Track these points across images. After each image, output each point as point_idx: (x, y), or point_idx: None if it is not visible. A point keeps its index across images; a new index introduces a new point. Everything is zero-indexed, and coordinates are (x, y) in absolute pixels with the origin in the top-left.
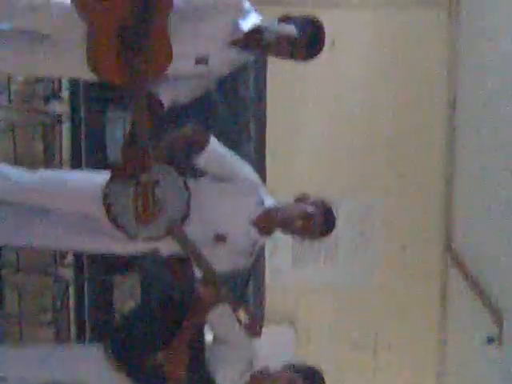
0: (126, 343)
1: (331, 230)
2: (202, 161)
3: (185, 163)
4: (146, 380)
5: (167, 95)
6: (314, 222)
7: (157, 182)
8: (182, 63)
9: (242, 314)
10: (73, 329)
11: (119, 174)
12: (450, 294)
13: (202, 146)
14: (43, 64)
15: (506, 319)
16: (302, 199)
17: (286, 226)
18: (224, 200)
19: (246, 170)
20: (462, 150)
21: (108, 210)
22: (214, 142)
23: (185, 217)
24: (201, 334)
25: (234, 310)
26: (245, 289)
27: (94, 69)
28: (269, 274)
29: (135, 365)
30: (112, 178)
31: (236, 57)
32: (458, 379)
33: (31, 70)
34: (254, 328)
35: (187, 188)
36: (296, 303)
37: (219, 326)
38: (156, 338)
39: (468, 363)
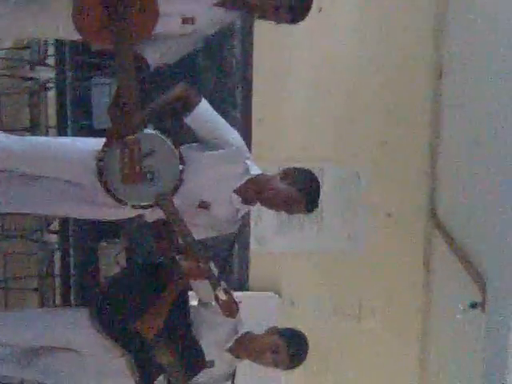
0: (110, 308)
1: (315, 207)
2: (191, 121)
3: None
4: (132, 344)
5: (153, 55)
6: (295, 201)
7: (152, 152)
8: (168, 23)
9: (221, 293)
10: (58, 295)
11: (109, 136)
12: (434, 260)
13: (193, 104)
14: (31, 25)
15: (489, 285)
16: (287, 175)
17: (268, 201)
18: (209, 167)
19: (234, 136)
20: (447, 117)
21: (100, 176)
22: (204, 102)
23: (176, 189)
24: (185, 299)
25: (214, 288)
26: (228, 260)
27: (80, 29)
28: (253, 241)
29: (120, 329)
30: (107, 143)
31: (222, 17)
32: (441, 345)
33: (19, 31)
34: (231, 309)
35: (182, 161)
36: (280, 270)
37: (202, 292)
38: (140, 302)
39: (451, 328)
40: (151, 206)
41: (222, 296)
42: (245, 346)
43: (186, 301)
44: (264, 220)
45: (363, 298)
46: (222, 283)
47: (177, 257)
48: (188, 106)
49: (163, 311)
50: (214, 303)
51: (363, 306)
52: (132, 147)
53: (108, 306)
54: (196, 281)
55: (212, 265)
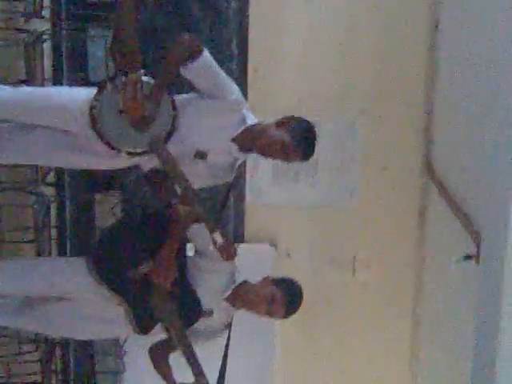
0: (108, 256)
1: (311, 154)
2: (191, 71)
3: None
4: (129, 293)
5: None
6: (291, 147)
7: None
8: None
9: (218, 236)
10: (54, 246)
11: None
12: (429, 213)
13: (196, 54)
14: None
15: (484, 237)
16: (283, 123)
17: (264, 149)
18: (206, 117)
19: (231, 86)
20: (443, 69)
21: (94, 123)
22: (206, 52)
23: (169, 135)
24: (182, 248)
25: (210, 231)
26: (224, 207)
27: None
28: (249, 193)
29: (117, 278)
30: (100, 91)
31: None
32: (435, 297)
33: None
34: (228, 251)
35: (174, 107)
36: (276, 222)
37: (199, 240)
38: (137, 252)
39: (445, 281)
40: (146, 153)
41: (219, 239)
42: (240, 296)
43: (183, 251)
44: (259, 172)
45: (358, 250)
46: (219, 228)
47: (173, 203)
48: (191, 56)
49: (171, 258)
50: (211, 249)
51: (358, 258)
52: (135, 84)
53: (105, 255)
54: (193, 225)
55: (208, 211)
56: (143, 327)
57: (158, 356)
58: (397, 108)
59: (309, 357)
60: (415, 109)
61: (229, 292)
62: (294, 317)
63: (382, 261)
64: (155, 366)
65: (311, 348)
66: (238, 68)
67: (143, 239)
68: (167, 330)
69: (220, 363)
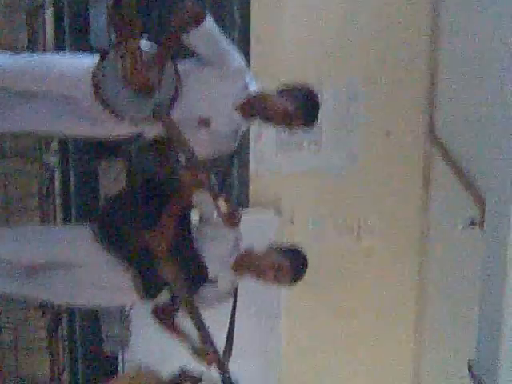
0: (113, 223)
1: (314, 121)
2: (194, 38)
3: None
4: (135, 259)
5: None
6: (294, 115)
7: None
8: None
9: (222, 204)
10: (59, 214)
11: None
12: (433, 178)
13: (199, 20)
14: None
15: (488, 202)
16: (285, 90)
17: (267, 117)
18: (209, 84)
19: (234, 53)
20: (446, 34)
21: (96, 89)
22: (209, 19)
23: (172, 101)
24: (187, 215)
25: (214, 199)
26: (227, 174)
27: None
28: (252, 161)
29: (123, 243)
30: (102, 57)
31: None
32: (440, 263)
33: None
34: (232, 218)
35: (177, 72)
36: (280, 189)
37: (203, 207)
38: (141, 218)
39: (450, 246)
40: (149, 120)
41: (223, 206)
42: (247, 263)
43: (188, 218)
44: (263, 140)
45: (362, 216)
46: (222, 195)
47: (177, 170)
48: (194, 22)
49: (170, 224)
50: (215, 216)
51: (362, 224)
52: (135, 52)
53: (110, 222)
54: (197, 193)
55: (212, 177)
56: (149, 293)
57: (163, 317)
58: (400, 73)
59: (314, 322)
60: (418, 74)
61: (233, 259)
62: (299, 283)
63: (386, 226)
64: (162, 326)
65: (316, 313)
66: (240, 36)
67: (147, 206)
68: (173, 295)
69: (226, 330)
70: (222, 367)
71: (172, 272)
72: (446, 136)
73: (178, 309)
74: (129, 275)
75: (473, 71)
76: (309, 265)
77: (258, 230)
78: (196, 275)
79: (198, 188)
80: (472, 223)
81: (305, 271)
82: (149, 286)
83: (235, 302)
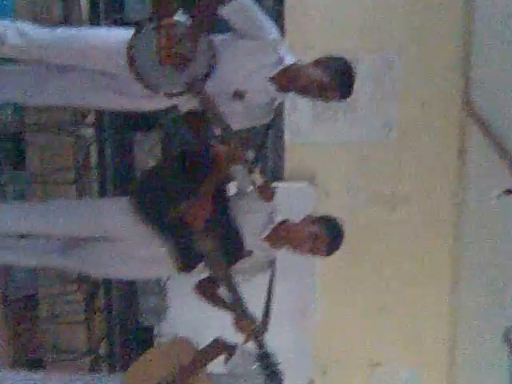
0: (150, 196)
1: (350, 93)
2: (230, 10)
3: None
4: (172, 232)
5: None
6: (330, 87)
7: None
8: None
9: (257, 177)
10: (95, 187)
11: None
12: (468, 148)
13: None
14: None
15: None
16: (320, 62)
17: (303, 89)
18: (244, 56)
19: (269, 25)
20: (481, 3)
21: (131, 63)
22: None
23: (207, 74)
24: (223, 189)
25: (249, 172)
26: (263, 147)
27: None
28: (288, 132)
29: (160, 216)
30: (137, 31)
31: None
32: (475, 232)
33: None
34: (267, 192)
35: (212, 46)
36: (315, 160)
37: (238, 180)
38: (178, 190)
39: (485, 215)
40: (184, 94)
41: (258, 180)
42: (282, 235)
43: (224, 191)
44: (298, 111)
45: (397, 187)
46: (258, 168)
47: (212, 144)
48: None
49: (208, 196)
50: (250, 189)
51: (397, 195)
52: (170, 28)
53: (147, 195)
54: (232, 166)
55: (247, 150)
56: (186, 266)
57: (206, 291)
58: (435, 43)
59: (349, 292)
60: (454, 44)
61: (268, 231)
62: (335, 254)
63: (421, 197)
64: (206, 301)
65: (351, 284)
66: (275, 8)
67: (183, 178)
68: (210, 268)
69: (263, 302)
70: (259, 339)
71: (209, 244)
72: (481, 105)
73: (219, 284)
74: (166, 248)
75: (509, 40)
76: (344, 236)
77: (294, 202)
78: (233, 247)
79: (234, 161)
80: (507, 192)
81: (341, 242)
82: (186, 259)
83: (273, 273)
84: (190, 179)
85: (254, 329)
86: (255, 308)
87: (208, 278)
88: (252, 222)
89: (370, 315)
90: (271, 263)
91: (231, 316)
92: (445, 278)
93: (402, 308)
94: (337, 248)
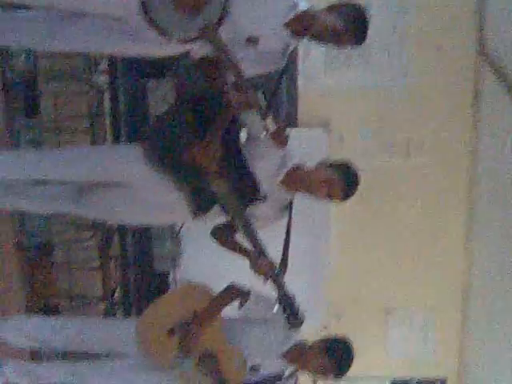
0: (163, 141)
1: (364, 38)
2: None
3: None
4: (186, 175)
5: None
6: (344, 32)
7: None
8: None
9: (270, 123)
10: (109, 134)
11: None
12: (483, 93)
13: None
14: None
15: None
16: (334, 8)
17: (316, 34)
18: (258, 2)
19: None
20: None
21: (144, 8)
22: None
23: (220, 19)
24: (236, 134)
25: (262, 117)
26: (276, 92)
27: None
28: (301, 78)
29: (174, 161)
30: None
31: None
32: (491, 178)
33: None
34: (280, 137)
35: None
36: (329, 106)
37: (251, 126)
38: (190, 135)
39: (500, 163)
40: (197, 39)
41: (271, 125)
42: (297, 179)
43: (237, 136)
44: (311, 57)
45: (412, 133)
46: (271, 114)
47: (225, 90)
48: None
49: (217, 139)
50: (263, 135)
51: (412, 141)
52: None
53: (160, 140)
54: (245, 112)
55: (260, 96)
56: (201, 209)
57: (222, 236)
58: None
59: (364, 240)
60: None
61: (282, 175)
62: (349, 201)
63: (435, 143)
64: (222, 246)
65: (365, 231)
66: None
67: (195, 123)
68: (225, 210)
69: (281, 247)
70: (278, 281)
71: (223, 187)
72: (496, 50)
73: (237, 228)
74: (180, 192)
75: None
76: (359, 181)
77: (308, 148)
78: (247, 190)
79: (247, 108)
80: None
81: (356, 186)
82: (200, 203)
83: (290, 217)
84: (202, 124)
85: (274, 268)
86: (272, 255)
87: (225, 223)
88: (266, 166)
89: (384, 261)
90: (288, 208)
91: (250, 257)
92: (459, 224)
93: (416, 253)
94: (352, 193)
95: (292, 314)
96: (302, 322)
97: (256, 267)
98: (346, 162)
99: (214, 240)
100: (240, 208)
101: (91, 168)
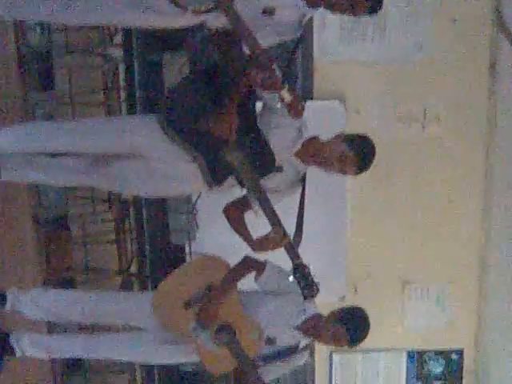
0: (179, 111)
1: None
2: None
3: None
4: (202, 146)
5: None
6: (360, 1)
7: None
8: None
9: (286, 93)
10: (124, 108)
11: None
12: (500, 65)
13: None
14: None
15: None
16: None
17: (331, 3)
18: None
19: None
20: None
21: None
22: None
23: None
24: (252, 105)
25: (279, 89)
26: (291, 63)
27: None
28: (317, 50)
29: (189, 131)
30: None
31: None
32: (508, 150)
33: None
34: (296, 108)
35: None
36: (345, 78)
37: (267, 96)
38: (205, 105)
39: None
40: (212, 10)
41: (287, 96)
42: (312, 151)
43: (253, 107)
44: (327, 29)
45: (428, 104)
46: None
47: (241, 61)
48: None
49: (233, 109)
50: (279, 106)
51: (428, 112)
52: None
53: (176, 110)
54: (270, 91)
55: (276, 67)
56: (216, 180)
57: (234, 214)
58: None
59: (381, 212)
60: None
61: (298, 147)
62: (366, 173)
63: (452, 115)
64: (231, 224)
65: (383, 203)
66: None
67: (213, 92)
68: (240, 182)
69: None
70: (292, 252)
71: (238, 158)
72: None
73: (249, 206)
74: (195, 163)
75: None
76: (375, 155)
77: (324, 120)
78: (262, 160)
79: (271, 88)
80: None
81: (372, 160)
82: (215, 174)
83: (304, 189)
84: (218, 95)
85: (288, 238)
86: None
87: (237, 200)
88: (281, 137)
89: (401, 233)
90: (302, 179)
91: (251, 243)
92: (477, 195)
93: (434, 225)
94: (366, 167)
95: (307, 284)
96: (316, 293)
97: (271, 235)
98: (362, 135)
99: (225, 217)
100: (255, 179)
101: (107, 138)
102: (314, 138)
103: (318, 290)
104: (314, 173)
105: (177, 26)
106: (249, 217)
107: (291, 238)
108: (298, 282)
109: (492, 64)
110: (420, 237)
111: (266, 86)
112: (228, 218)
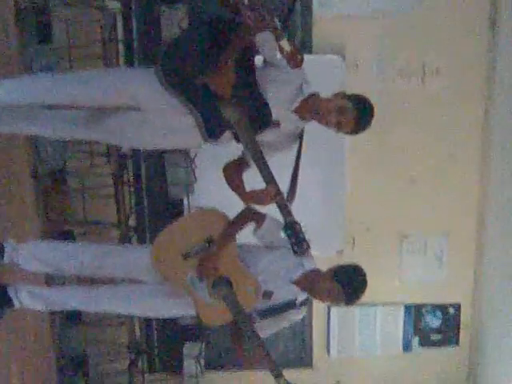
0: (176, 64)
1: None
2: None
3: None
4: (199, 100)
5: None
6: None
7: None
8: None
9: (285, 44)
10: (121, 61)
11: None
12: (500, 18)
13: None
14: None
15: None
16: None
17: None
18: None
19: None
20: None
21: None
22: None
23: None
24: (250, 58)
25: (277, 39)
26: (291, 13)
27: None
28: (316, 4)
29: (187, 85)
30: None
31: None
32: (506, 106)
33: None
34: (295, 58)
35: None
36: (344, 32)
37: (266, 48)
38: (204, 59)
39: None
40: None
41: (287, 46)
42: (311, 108)
43: (251, 60)
44: None
45: (427, 59)
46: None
47: (242, 11)
48: None
49: (230, 63)
50: (278, 57)
51: (427, 67)
52: None
53: (174, 63)
54: (260, 33)
55: (275, 19)
56: (212, 134)
57: (232, 173)
58: None
59: (379, 166)
60: None
61: (297, 103)
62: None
63: (451, 68)
64: (229, 183)
65: (382, 157)
66: None
67: (209, 47)
68: (236, 136)
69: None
70: (286, 209)
71: (235, 112)
72: None
73: (247, 165)
74: (192, 117)
75: None
76: (373, 116)
77: (323, 74)
78: (260, 116)
79: (262, 29)
80: None
81: (369, 122)
82: (211, 128)
83: (300, 145)
84: (216, 47)
85: (281, 195)
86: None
87: (236, 159)
88: (280, 92)
89: (399, 186)
90: (299, 136)
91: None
92: (475, 149)
93: (431, 179)
94: (363, 127)
95: (297, 241)
96: (306, 250)
97: (264, 190)
98: (362, 95)
99: (224, 176)
100: (251, 135)
101: (105, 90)
102: (313, 95)
103: (308, 246)
104: (313, 128)
105: None
106: (247, 176)
107: (285, 195)
108: (289, 239)
109: (492, 18)
110: (418, 190)
111: (259, 27)
112: (226, 178)
